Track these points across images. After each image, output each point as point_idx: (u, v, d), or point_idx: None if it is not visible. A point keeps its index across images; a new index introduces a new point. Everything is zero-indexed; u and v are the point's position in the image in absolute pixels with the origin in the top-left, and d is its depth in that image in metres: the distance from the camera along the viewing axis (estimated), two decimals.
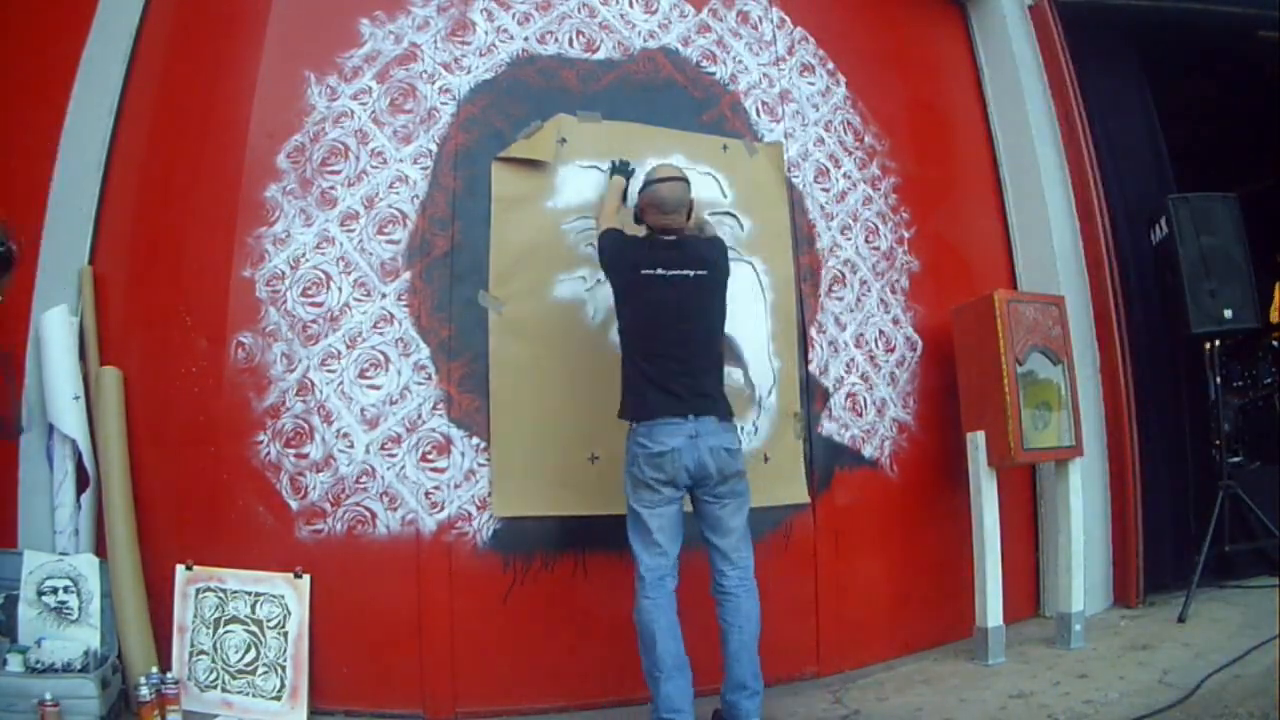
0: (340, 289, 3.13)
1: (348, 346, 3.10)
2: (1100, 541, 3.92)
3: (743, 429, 3.32)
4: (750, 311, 3.44)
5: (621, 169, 3.23)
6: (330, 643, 2.97)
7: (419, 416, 3.08)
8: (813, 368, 3.54)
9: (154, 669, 2.81)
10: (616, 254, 2.90)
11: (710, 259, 2.92)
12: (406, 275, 3.15)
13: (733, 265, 3.40)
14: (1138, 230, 4.26)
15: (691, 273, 2.85)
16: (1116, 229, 4.16)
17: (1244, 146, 5.56)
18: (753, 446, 3.33)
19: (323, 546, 3.00)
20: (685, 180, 2.94)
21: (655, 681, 2.63)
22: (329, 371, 3.08)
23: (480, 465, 3.08)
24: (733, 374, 3.33)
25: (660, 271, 2.82)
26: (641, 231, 2.98)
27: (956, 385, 3.70)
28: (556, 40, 3.43)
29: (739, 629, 2.72)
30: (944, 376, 3.78)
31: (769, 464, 3.37)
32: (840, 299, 3.68)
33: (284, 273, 3.13)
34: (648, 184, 2.95)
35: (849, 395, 3.62)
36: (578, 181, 3.29)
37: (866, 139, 3.92)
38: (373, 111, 3.24)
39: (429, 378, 3.11)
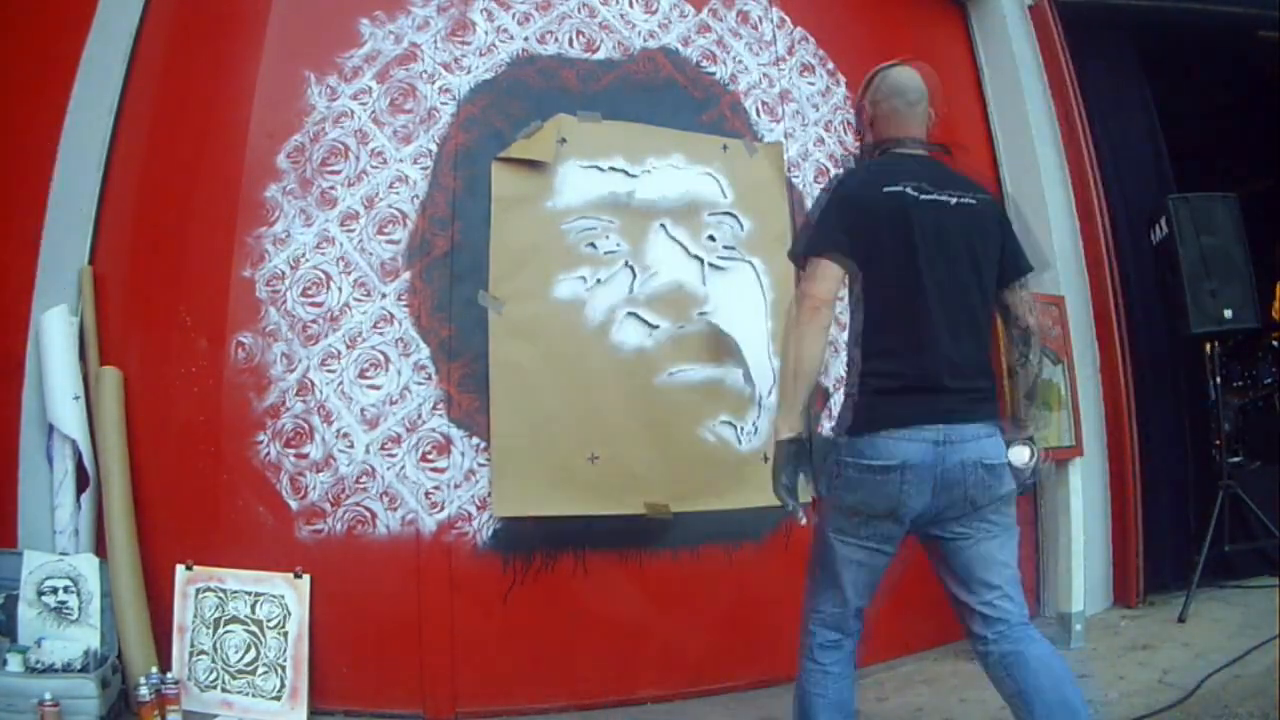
0: (340, 289, 3.13)
1: (348, 346, 3.10)
2: (1100, 541, 3.92)
3: (742, 429, 3.33)
4: (750, 311, 3.44)
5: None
6: (330, 643, 2.97)
7: (419, 416, 3.08)
8: None
9: (154, 669, 2.81)
10: (854, 206, 2.04)
11: (980, 186, 2.14)
12: (406, 275, 3.15)
13: (733, 265, 3.43)
14: (1138, 230, 4.26)
15: (960, 199, 2.04)
16: (1116, 229, 4.17)
17: (1244, 146, 5.56)
18: (753, 446, 3.33)
19: (323, 546, 3.00)
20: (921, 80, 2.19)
21: None
22: (329, 371, 3.08)
23: (480, 465, 3.08)
24: (732, 373, 3.34)
25: (918, 194, 1.99)
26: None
27: None
28: (556, 40, 3.43)
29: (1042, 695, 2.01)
30: None
31: (769, 464, 3.36)
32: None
33: (284, 273, 3.13)
34: (872, 82, 2.22)
35: (849, 395, 3.61)
36: (578, 181, 3.28)
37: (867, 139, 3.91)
38: (373, 111, 3.24)
39: (429, 378, 3.11)
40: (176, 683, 2.82)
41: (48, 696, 2.60)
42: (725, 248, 3.42)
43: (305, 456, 3.03)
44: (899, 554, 2.14)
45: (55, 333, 3.05)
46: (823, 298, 1.97)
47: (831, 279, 1.98)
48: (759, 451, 3.36)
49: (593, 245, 3.09)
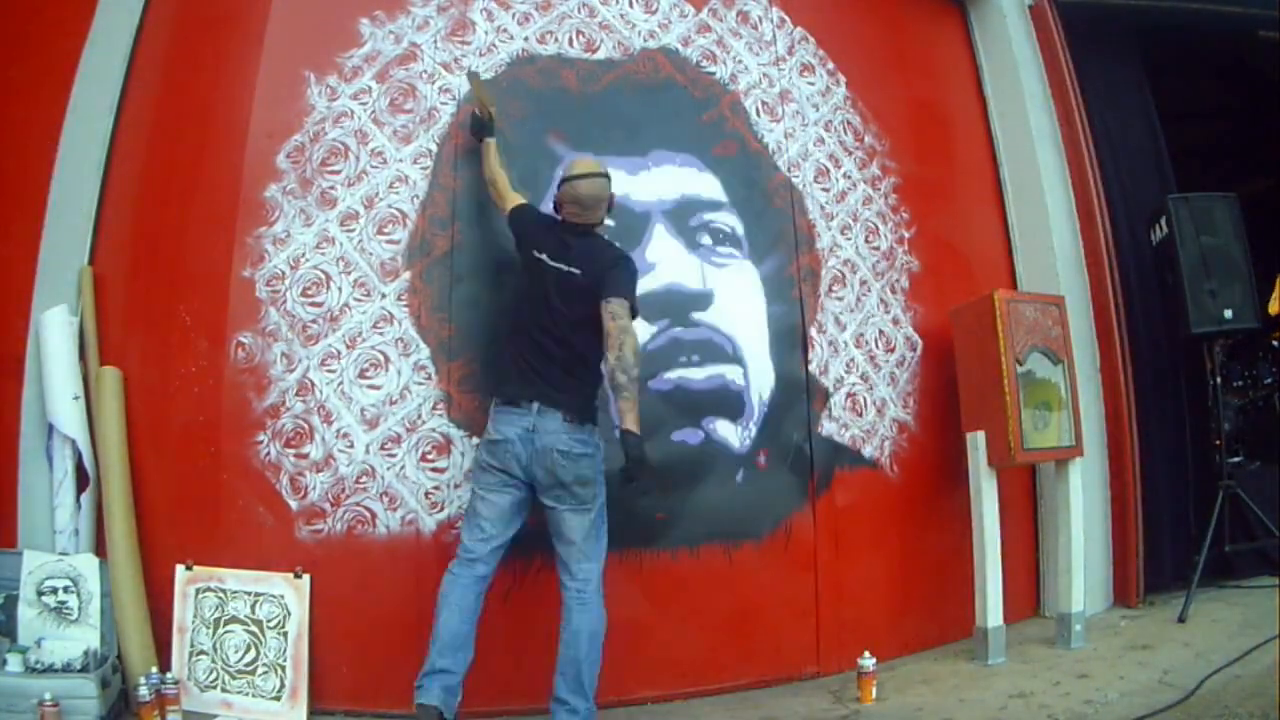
0: (340, 289, 3.13)
1: (348, 346, 3.10)
2: (1100, 541, 3.92)
3: (740, 429, 3.33)
4: (749, 311, 3.44)
5: (480, 128, 3.14)
6: (330, 643, 2.97)
7: (419, 416, 3.08)
8: (813, 368, 3.54)
9: (154, 669, 2.81)
10: (521, 231, 2.93)
11: (594, 262, 2.80)
12: (406, 275, 3.15)
13: (733, 264, 3.43)
14: (1138, 230, 4.26)
15: (571, 269, 2.79)
16: (1116, 229, 4.17)
17: (1244, 146, 5.57)
18: (750, 447, 3.33)
19: (323, 546, 3.00)
20: (606, 176, 2.89)
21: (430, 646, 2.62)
22: (329, 371, 3.08)
23: None
24: (732, 373, 3.34)
25: (545, 258, 2.81)
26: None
27: (956, 385, 3.70)
28: (556, 40, 3.43)
29: (564, 643, 2.69)
30: (944, 376, 3.78)
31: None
32: (840, 299, 3.67)
33: (284, 273, 3.13)
34: (566, 180, 2.89)
35: (849, 395, 3.62)
36: None
37: (866, 139, 3.92)
38: (373, 111, 3.24)
39: (429, 378, 3.11)
40: (176, 683, 2.82)
41: (48, 696, 2.60)
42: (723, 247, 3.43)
43: (305, 456, 3.03)
44: None
45: (55, 332, 3.05)
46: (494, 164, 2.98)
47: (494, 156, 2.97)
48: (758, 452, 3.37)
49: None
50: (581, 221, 2.88)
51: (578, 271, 2.78)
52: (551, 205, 2.99)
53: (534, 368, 2.74)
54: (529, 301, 2.84)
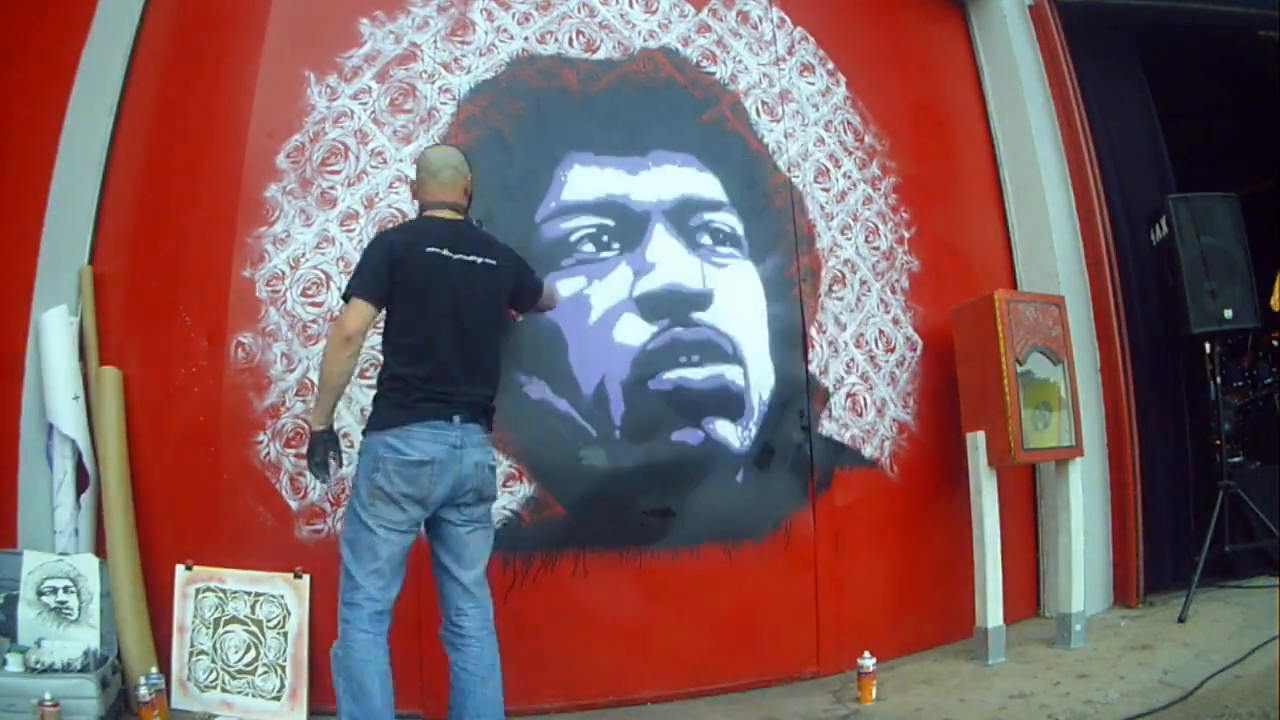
0: (340, 289, 3.12)
1: None
2: (1100, 541, 3.92)
3: (740, 429, 3.33)
4: (749, 311, 3.44)
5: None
6: (330, 643, 2.95)
7: None
8: (813, 368, 3.54)
9: (154, 669, 2.81)
10: (393, 243, 2.47)
11: (499, 251, 2.61)
12: None
13: (733, 264, 3.43)
14: (1138, 230, 4.26)
15: (479, 259, 2.52)
16: (1116, 229, 4.16)
17: (1244, 146, 5.57)
18: (750, 447, 3.33)
19: (323, 546, 3.00)
20: (462, 158, 2.66)
21: None
22: None
23: None
24: (732, 373, 3.34)
25: (445, 252, 2.45)
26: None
27: (956, 385, 3.70)
28: (556, 40, 3.43)
29: (482, 680, 2.39)
30: (944, 376, 3.78)
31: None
32: (840, 299, 3.67)
33: (284, 273, 3.13)
34: (419, 156, 2.72)
35: (849, 395, 3.62)
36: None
37: (866, 139, 3.91)
38: (373, 111, 3.24)
39: None
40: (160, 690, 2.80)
41: (48, 696, 2.60)
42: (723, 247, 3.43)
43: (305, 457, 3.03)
44: None
45: (55, 333, 3.05)
46: (353, 331, 2.38)
47: (363, 317, 2.39)
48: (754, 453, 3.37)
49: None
50: (448, 201, 2.58)
51: (494, 261, 2.55)
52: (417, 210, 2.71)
53: (451, 376, 2.43)
54: (428, 308, 2.44)
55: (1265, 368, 5.08)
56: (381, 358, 2.54)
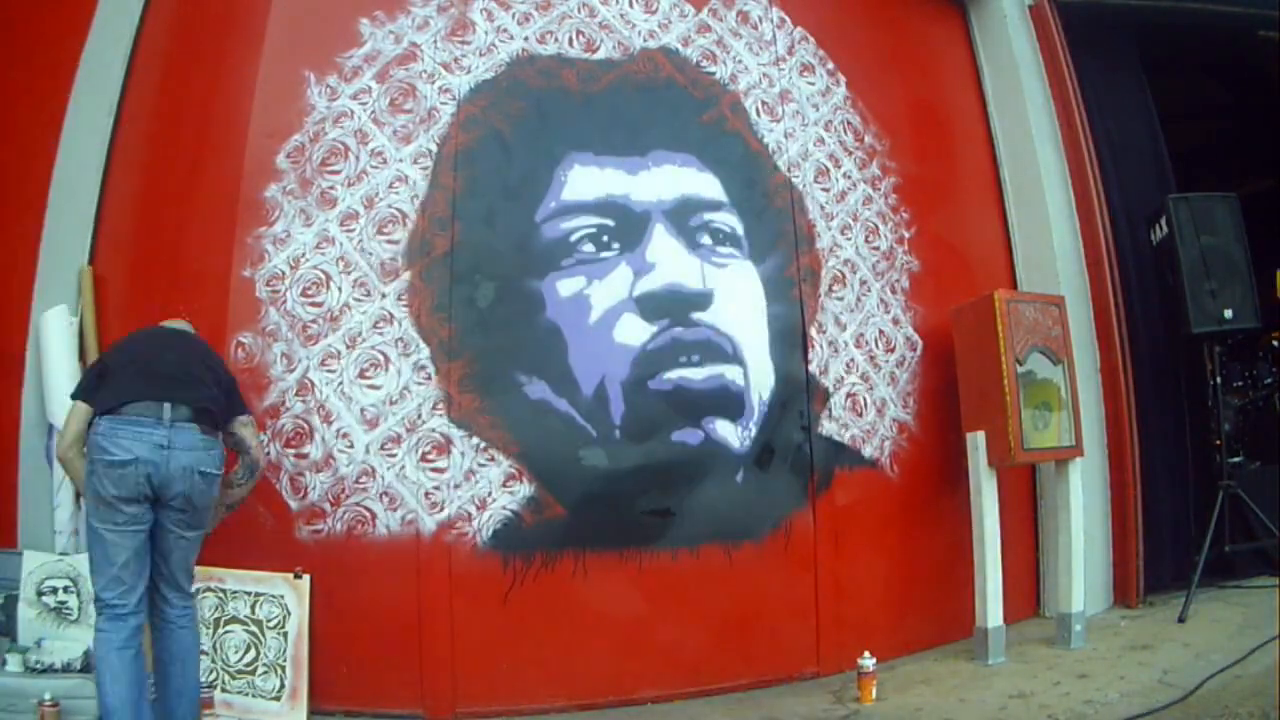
0: (340, 289, 3.13)
1: (347, 346, 3.10)
2: (1100, 541, 3.92)
3: (740, 429, 3.33)
4: (749, 311, 3.44)
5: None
6: (330, 643, 2.97)
7: (419, 416, 3.08)
8: (813, 368, 3.54)
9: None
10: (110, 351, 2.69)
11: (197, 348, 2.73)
12: (406, 275, 3.15)
13: (733, 264, 3.44)
14: (1138, 230, 4.26)
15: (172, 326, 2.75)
16: (1116, 229, 4.17)
17: (1244, 146, 5.57)
18: (750, 447, 3.34)
19: (323, 546, 3.00)
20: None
21: None
22: (329, 371, 3.08)
23: (480, 465, 3.08)
24: (732, 373, 3.34)
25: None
26: None
27: (956, 385, 3.70)
28: (556, 40, 3.43)
29: (182, 663, 2.49)
30: (944, 376, 3.78)
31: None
32: (840, 299, 3.67)
33: (284, 273, 3.13)
34: None
35: (849, 395, 3.62)
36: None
37: (866, 139, 3.92)
38: (372, 111, 3.24)
39: (429, 378, 3.11)
40: None
41: (48, 696, 2.61)
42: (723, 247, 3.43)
43: (305, 456, 3.03)
44: None
45: (55, 332, 3.05)
46: (76, 433, 2.48)
47: (82, 419, 2.48)
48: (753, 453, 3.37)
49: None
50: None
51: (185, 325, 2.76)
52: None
53: (159, 372, 2.50)
54: (131, 340, 2.65)
55: (1265, 368, 5.08)
56: None
